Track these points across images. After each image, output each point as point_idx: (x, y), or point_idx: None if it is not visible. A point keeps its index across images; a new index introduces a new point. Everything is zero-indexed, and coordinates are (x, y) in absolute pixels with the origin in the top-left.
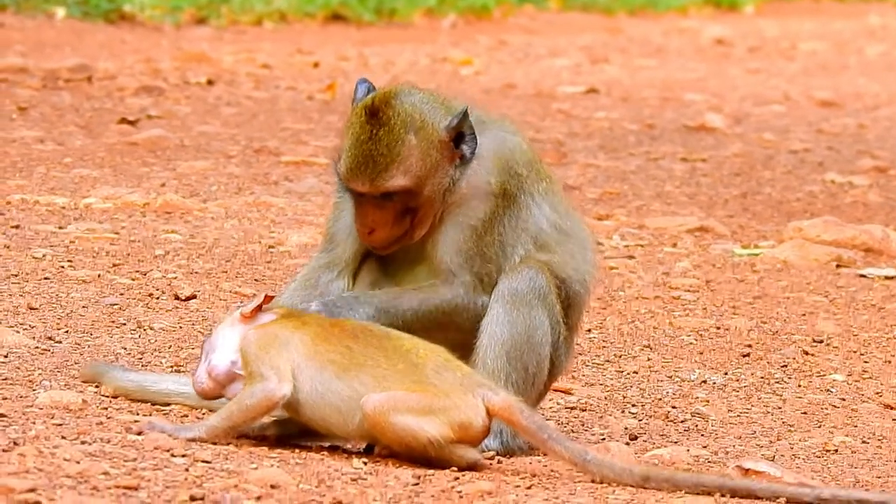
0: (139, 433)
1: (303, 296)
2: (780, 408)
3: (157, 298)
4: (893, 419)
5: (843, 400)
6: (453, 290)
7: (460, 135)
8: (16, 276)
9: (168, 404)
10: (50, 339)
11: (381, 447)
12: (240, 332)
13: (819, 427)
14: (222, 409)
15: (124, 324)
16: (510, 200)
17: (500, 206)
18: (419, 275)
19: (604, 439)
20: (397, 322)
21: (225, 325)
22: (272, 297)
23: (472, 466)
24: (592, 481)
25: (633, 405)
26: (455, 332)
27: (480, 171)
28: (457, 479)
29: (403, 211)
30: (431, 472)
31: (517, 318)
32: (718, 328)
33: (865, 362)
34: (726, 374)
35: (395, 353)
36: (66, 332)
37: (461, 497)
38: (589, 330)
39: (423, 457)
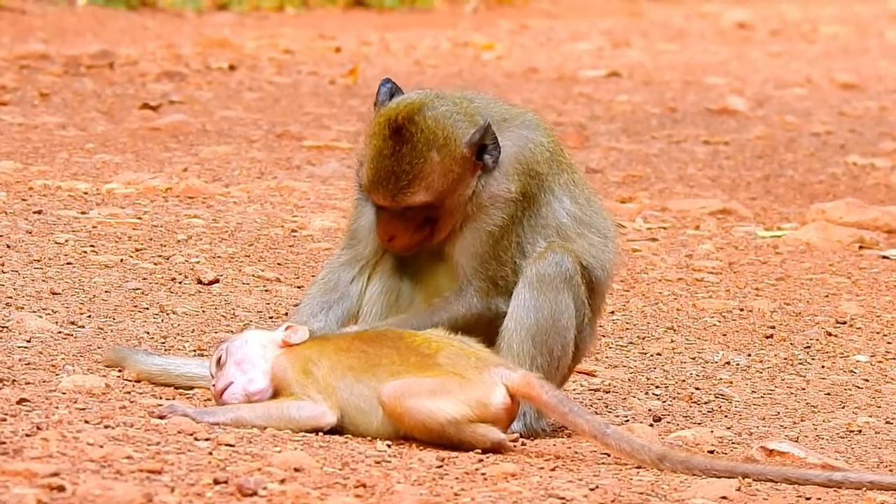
0: (161, 417)
1: (321, 302)
2: (803, 389)
3: (180, 283)
4: None
5: (867, 381)
6: (465, 301)
7: (483, 146)
8: (38, 261)
9: (191, 388)
10: (73, 323)
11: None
12: (273, 355)
13: (843, 408)
14: (258, 405)
15: (147, 308)
16: (530, 202)
17: (519, 210)
18: (438, 272)
19: (627, 420)
20: None
21: (259, 344)
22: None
23: (497, 447)
24: (610, 455)
25: (657, 387)
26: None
27: (501, 179)
28: (481, 461)
29: (424, 220)
30: (455, 454)
31: (543, 302)
32: (741, 310)
33: (889, 343)
34: (749, 355)
35: (407, 349)
36: (89, 316)
37: (485, 479)
38: (612, 312)
39: (445, 438)
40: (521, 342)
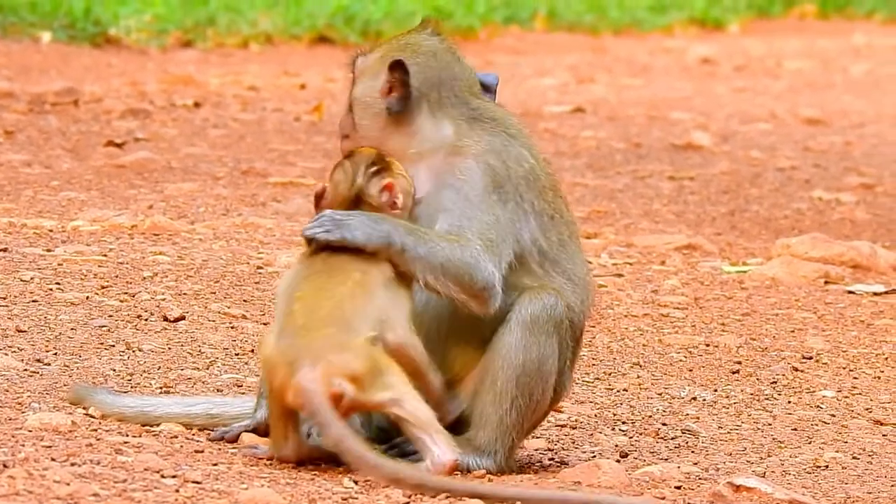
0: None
1: None
2: (770, 424)
3: (146, 320)
4: (883, 435)
5: (833, 416)
6: (469, 248)
7: None
8: (3, 298)
9: (157, 424)
10: (38, 361)
11: None
12: None
13: (809, 443)
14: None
15: (113, 345)
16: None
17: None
18: None
19: (594, 457)
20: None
21: None
22: None
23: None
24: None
25: (624, 422)
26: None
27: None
28: (448, 499)
29: None
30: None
31: (532, 344)
32: (707, 345)
33: (855, 378)
34: (716, 390)
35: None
36: (55, 354)
37: None
38: None
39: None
40: (505, 381)
